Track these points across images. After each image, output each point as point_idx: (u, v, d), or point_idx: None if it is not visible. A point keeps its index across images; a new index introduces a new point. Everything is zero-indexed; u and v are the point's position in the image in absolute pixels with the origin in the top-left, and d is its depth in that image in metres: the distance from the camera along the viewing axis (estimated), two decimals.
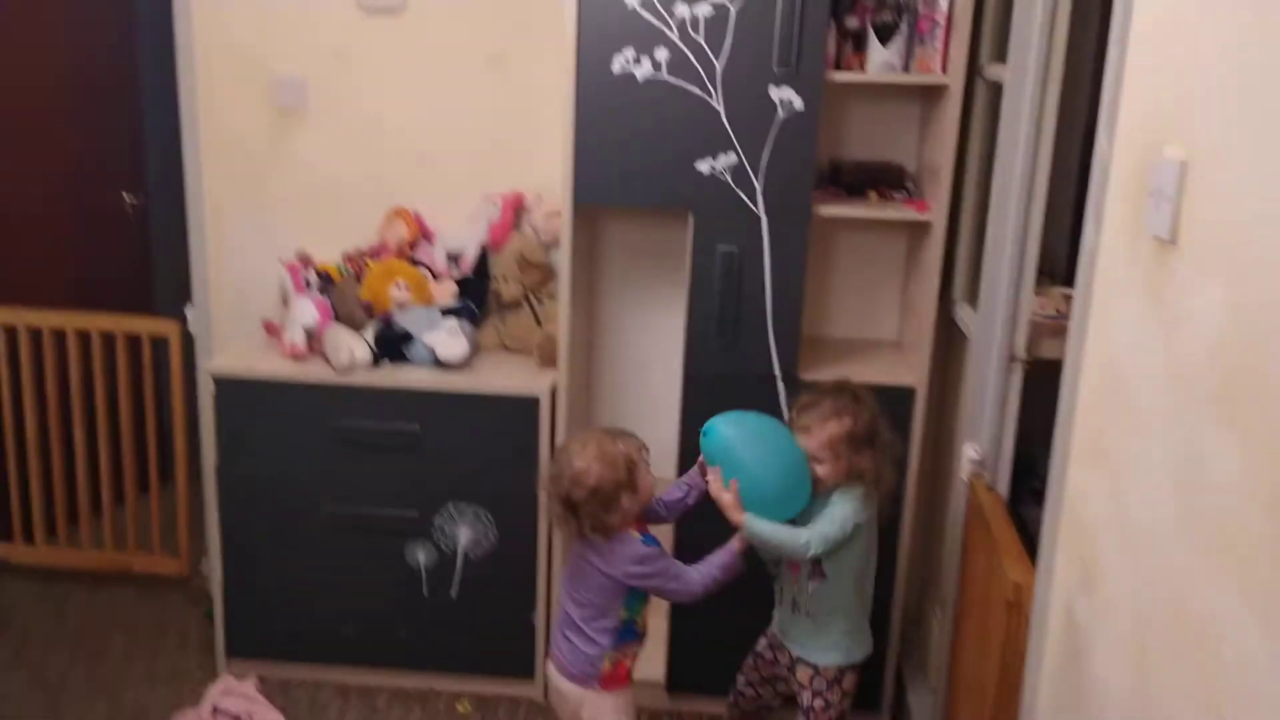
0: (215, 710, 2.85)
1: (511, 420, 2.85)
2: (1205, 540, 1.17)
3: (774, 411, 2.74)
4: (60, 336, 3.38)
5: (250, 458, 2.93)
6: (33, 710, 2.88)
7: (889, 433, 2.34)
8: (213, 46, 3.11)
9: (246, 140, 3.17)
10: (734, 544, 2.32)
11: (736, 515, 2.25)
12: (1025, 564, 1.96)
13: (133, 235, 4.01)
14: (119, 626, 3.32)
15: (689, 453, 2.81)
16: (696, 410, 2.77)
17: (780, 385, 2.74)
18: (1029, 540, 2.02)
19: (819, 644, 2.39)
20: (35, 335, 3.38)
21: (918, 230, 2.86)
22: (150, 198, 4.03)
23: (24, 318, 3.35)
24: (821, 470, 2.27)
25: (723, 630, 2.90)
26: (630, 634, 2.34)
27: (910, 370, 2.80)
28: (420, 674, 3.06)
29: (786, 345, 2.72)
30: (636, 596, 2.32)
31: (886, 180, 2.87)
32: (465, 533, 2.93)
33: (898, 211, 2.76)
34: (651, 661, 2.97)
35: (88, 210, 3.81)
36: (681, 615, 2.92)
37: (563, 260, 2.76)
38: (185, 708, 2.90)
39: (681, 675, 2.98)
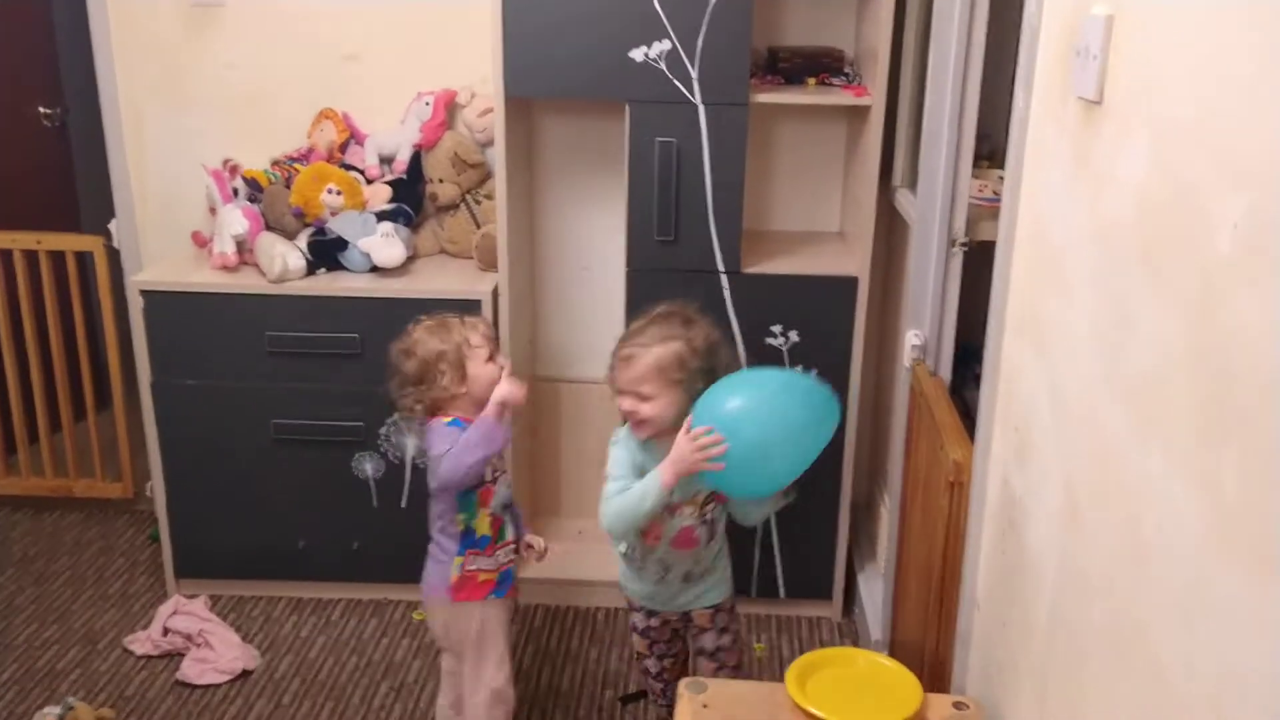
0: (166, 631, 2.83)
1: None
2: (1131, 403, 1.16)
3: (717, 308, 2.71)
4: None
5: (186, 374, 2.87)
6: None
7: (731, 358, 2.16)
8: None
9: (163, 42, 3.03)
10: (490, 408, 2.12)
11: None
12: (966, 444, 1.96)
13: (52, 149, 3.86)
14: (65, 551, 3.28)
15: None
16: (640, 307, 2.73)
17: (724, 280, 2.71)
18: (971, 424, 2.02)
19: (712, 585, 2.26)
20: None
21: (857, 116, 2.81)
22: (68, 110, 3.87)
23: None
24: (649, 409, 2.04)
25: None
26: (473, 542, 2.21)
27: (853, 259, 2.77)
28: (375, 585, 3.06)
29: (728, 239, 2.68)
30: (468, 497, 2.19)
31: (825, 66, 2.81)
32: (412, 442, 2.90)
33: (837, 97, 2.70)
34: (607, 561, 2.97)
35: (11, 126, 3.65)
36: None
37: (498, 158, 2.68)
38: (136, 629, 2.88)
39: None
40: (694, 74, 2.55)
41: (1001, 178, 2.23)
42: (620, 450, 2.14)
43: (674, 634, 2.32)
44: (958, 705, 1.69)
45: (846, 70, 2.81)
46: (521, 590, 2.90)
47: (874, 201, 2.67)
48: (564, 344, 3.23)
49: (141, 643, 2.81)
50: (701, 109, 2.58)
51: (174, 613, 2.87)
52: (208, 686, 2.68)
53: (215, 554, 3.03)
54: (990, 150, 2.49)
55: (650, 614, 2.28)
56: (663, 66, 2.55)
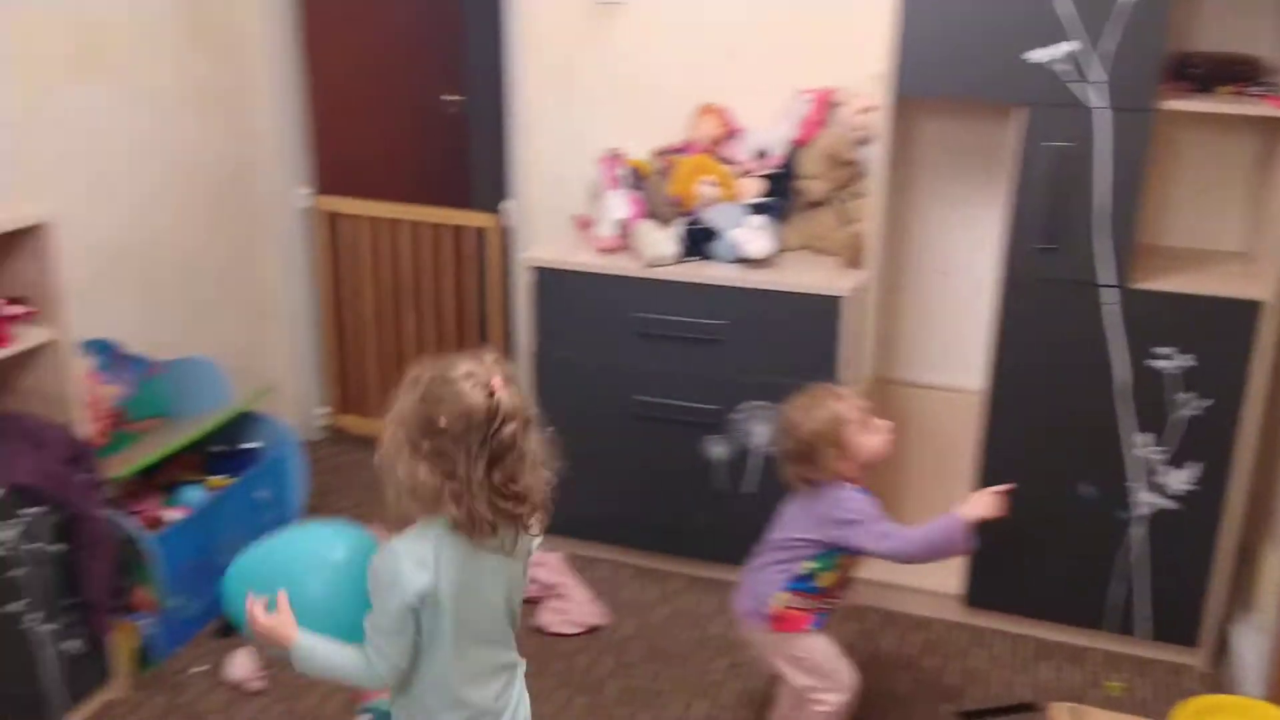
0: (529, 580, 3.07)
1: (813, 319, 2.84)
2: None
3: (1091, 322, 2.58)
4: (397, 227, 3.67)
5: (562, 345, 3.08)
6: None
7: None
8: None
9: (564, 36, 3.27)
10: (959, 514, 2.24)
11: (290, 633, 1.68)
12: None
13: (453, 134, 4.26)
14: None
15: (1002, 362, 2.71)
16: (1014, 317, 2.66)
17: (1103, 294, 2.57)
18: None
19: None
20: (375, 224, 3.68)
21: (1274, 129, 2.57)
22: (469, 98, 4.25)
23: (368, 209, 3.67)
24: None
25: (1023, 546, 2.82)
26: (806, 586, 2.31)
27: (1259, 282, 2.54)
28: (715, 564, 3.16)
29: (1119, 251, 2.54)
30: (830, 556, 2.29)
31: (1240, 74, 2.59)
32: (761, 430, 2.97)
33: (1255, 107, 2.49)
34: (950, 574, 2.93)
35: (418, 112, 4.07)
36: (981, 530, 2.84)
37: (878, 156, 2.69)
38: None
39: (980, 590, 2.91)
40: (1098, 78, 2.44)
41: None
42: None
43: None
44: None
45: (1265, 80, 2.58)
46: (860, 592, 2.93)
47: None
48: (915, 348, 3.19)
49: None
50: (1103, 114, 2.46)
51: (536, 564, 3.11)
52: (561, 635, 2.88)
53: (572, 514, 3.21)
54: None
55: None
56: (1063, 69, 2.45)
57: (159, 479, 2.87)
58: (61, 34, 2.83)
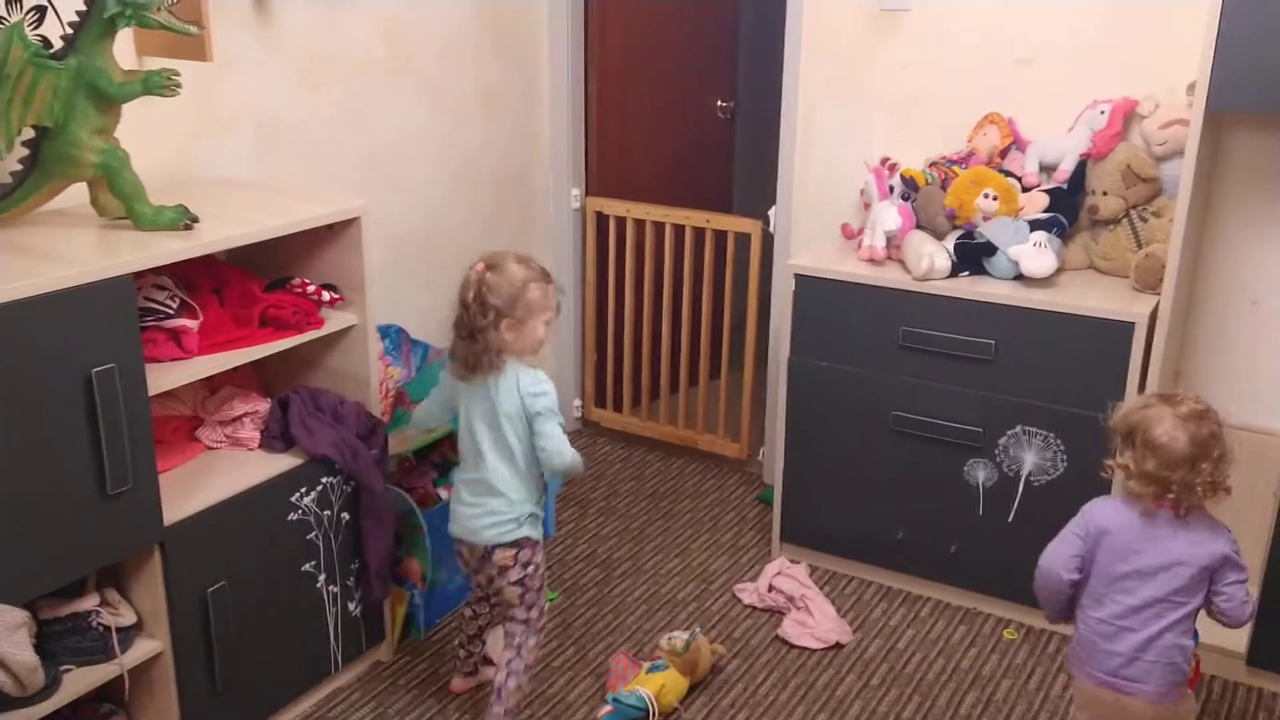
0: (771, 588, 3.06)
1: (1099, 344, 2.67)
2: None
3: None
4: (661, 229, 3.74)
5: (821, 354, 3.04)
6: (623, 554, 3.30)
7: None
8: None
9: (845, 41, 3.23)
10: None
11: None
12: None
13: (722, 139, 4.30)
14: (687, 495, 3.67)
15: None
16: None
17: None
18: None
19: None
20: (640, 226, 3.77)
21: None
22: (741, 104, 4.28)
23: (634, 210, 3.75)
24: None
25: None
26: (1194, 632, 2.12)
27: None
28: (967, 592, 3.04)
29: None
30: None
31: None
32: (1031, 458, 2.83)
33: None
34: (1234, 632, 2.68)
35: (689, 117, 4.13)
36: (1274, 587, 2.59)
37: (1185, 173, 2.49)
38: (744, 579, 3.15)
39: (1265, 647, 2.66)
40: None
41: None
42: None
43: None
44: None
45: None
46: None
47: None
48: (1214, 382, 2.93)
49: (749, 593, 3.07)
50: None
51: (779, 573, 3.09)
52: (803, 649, 2.85)
53: (818, 526, 3.20)
54: None
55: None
56: None
57: (434, 457, 3.04)
58: (376, 38, 3.05)
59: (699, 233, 3.70)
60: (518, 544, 2.39)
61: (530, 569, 2.42)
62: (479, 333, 2.28)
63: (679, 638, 2.70)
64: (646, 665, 2.69)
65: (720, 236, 3.69)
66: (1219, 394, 2.90)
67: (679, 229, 3.72)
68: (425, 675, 2.74)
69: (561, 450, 2.32)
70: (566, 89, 3.68)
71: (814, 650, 2.85)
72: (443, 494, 2.90)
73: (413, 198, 3.28)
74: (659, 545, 3.36)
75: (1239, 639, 2.68)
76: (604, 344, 3.97)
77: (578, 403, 4.07)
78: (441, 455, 3.08)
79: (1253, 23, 2.30)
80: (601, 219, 3.83)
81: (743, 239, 3.64)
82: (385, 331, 2.97)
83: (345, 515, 2.49)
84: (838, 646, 2.87)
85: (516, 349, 2.32)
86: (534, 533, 2.42)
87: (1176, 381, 2.94)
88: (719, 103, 4.20)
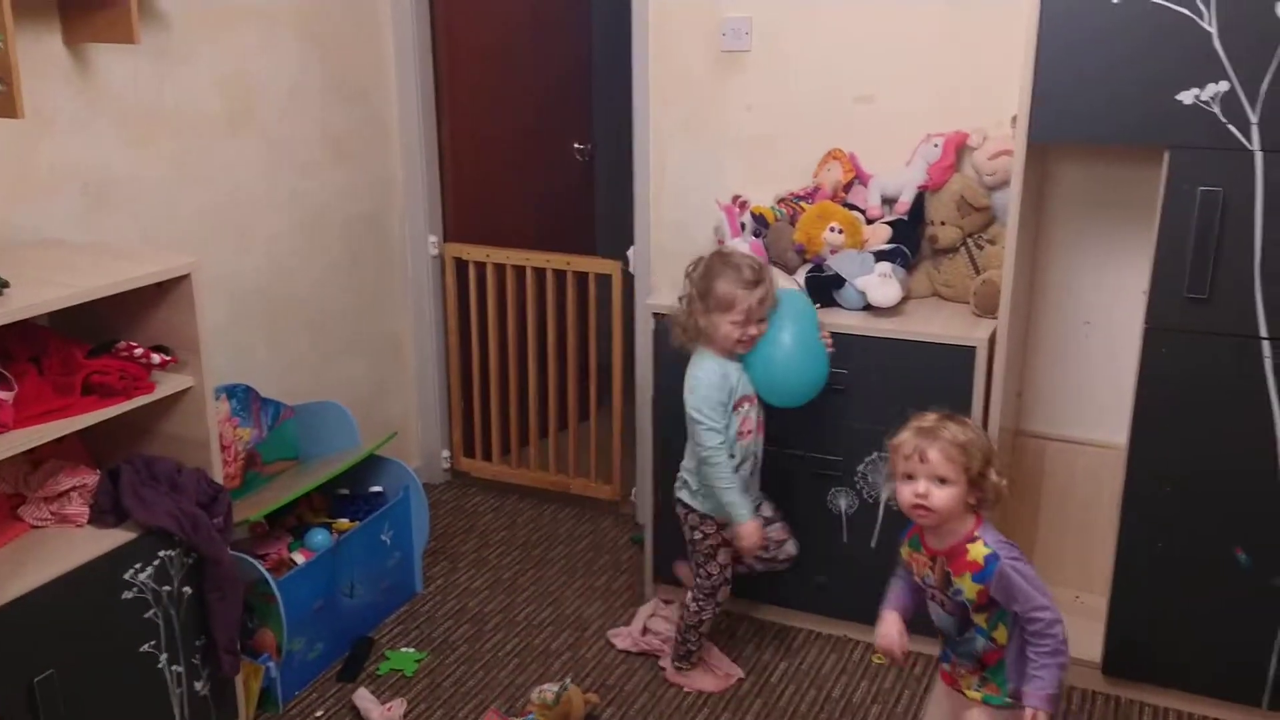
0: (645, 630, 3.03)
1: (944, 369, 2.73)
2: None
3: (1254, 376, 2.42)
4: (522, 273, 3.71)
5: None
6: (495, 607, 3.23)
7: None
8: None
9: (692, 83, 3.26)
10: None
11: None
12: None
13: (580, 182, 4.30)
14: (560, 541, 3.63)
15: (1146, 415, 2.56)
16: (1160, 369, 2.51)
17: (1266, 347, 2.40)
18: None
19: None
20: (500, 270, 3.73)
21: None
22: (597, 146, 4.30)
23: (493, 255, 3.72)
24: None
25: (1169, 613, 2.64)
26: None
27: None
28: (836, 620, 3.06)
29: (1277, 301, 2.37)
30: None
31: None
32: (886, 483, 2.87)
33: None
34: (1088, 641, 2.77)
35: (547, 160, 4.13)
36: (1122, 595, 2.68)
37: (1012, 202, 2.58)
38: (618, 624, 3.11)
39: (1120, 658, 2.74)
40: (1254, 118, 2.29)
41: None
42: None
43: None
44: None
45: None
46: None
47: None
48: (1052, 399, 3.04)
49: (623, 638, 3.03)
50: (1260, 156, 2.31)
51: (652, 614, 3.07)
52: (680, 690, 2.83)
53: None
54: None
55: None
56: (1216, 110, 2.31)
57: (287, 521, 2.93)
58: (211, 90, 2.96)
59: (560, 275, 3.68)
60: (679, 502, 2.78)
61: (695, 534, 2.77)
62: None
63: (550, 690, 2.65)
64: None
65: (581, 278, 3.68)
66: (1058, 411, 3.03)
67: (540, 272, 3.70)
68: None
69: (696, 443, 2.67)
70: (418, 134, 3.64)
71: (687, 692, 2.83)
72: (298, 558, 2.79)
73: (260, 252, 3.19)
74: (532, 595, 3.30)
75: (1095, 649, 2.76)
76: (470, 392, 3.92)
77: (446, 454, 4.00)
78: (297, 519, 2.97)
79: (1066, 60, 2.40)
80: (461, 265, 3.78)
81: (604, 280, 3.64)
82: (232, 391, 2.87)
83: (187, 589, 2.37)
84: (735, 685, 2.86)
85: (706, 337, 2.60)
86: (691, 501, 2.75)
87: (1019, 401, 3.03)
88: (576, 145, 4.21)
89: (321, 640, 2.85)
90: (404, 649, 3.00)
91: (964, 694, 2.21)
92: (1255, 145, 2.31)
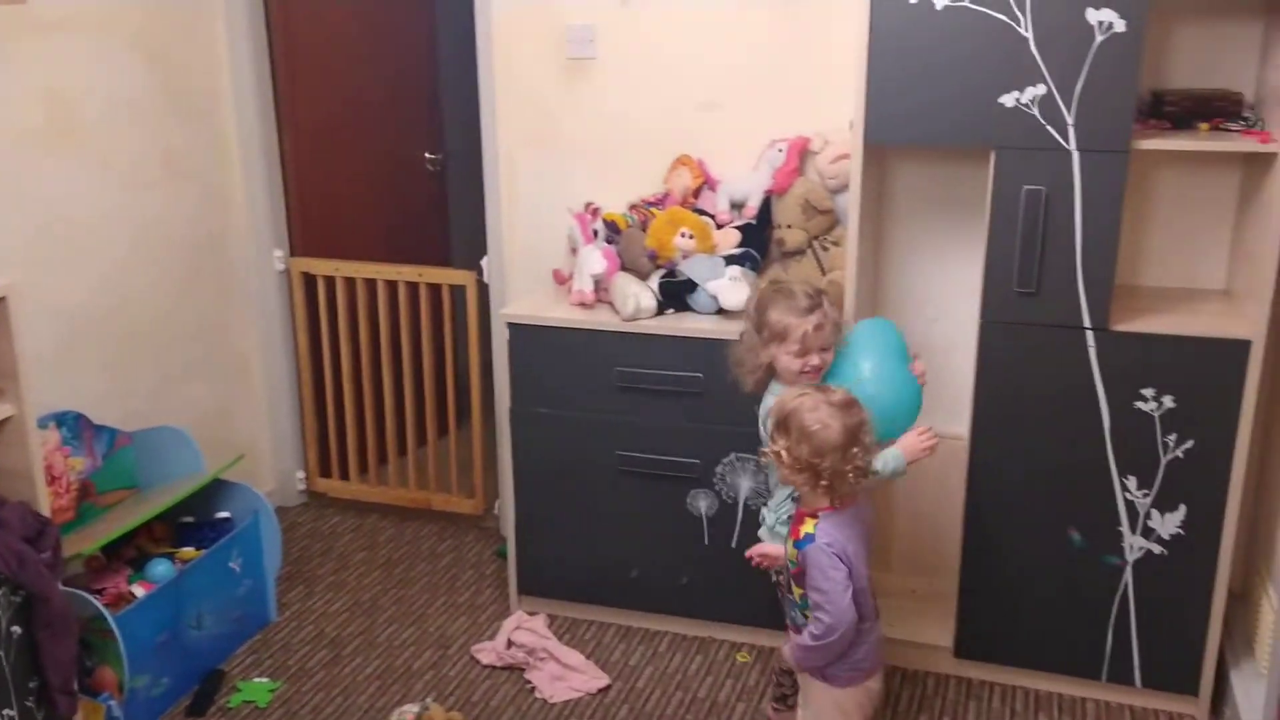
0: (510, 643, 3.00)
1: None
2: None
3: (1080, 365, 2.55)
4: (373, 286, 3.63)
5: (542, 400, 3.03)
6: (354, 630, 3.14)
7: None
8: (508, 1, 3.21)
9: (539, 91, 3.25)
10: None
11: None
12: None
13: (433, 192, 4.24)
14: (422, 558, 3.56)
15: (985, 407, 2.66)
16: (995, 361, 2.62)
17: (1089, 337, 2.53)
18: None
19: None
20: (350, 285, 3.65)
21: (1257, 165, 2.55)
22: (448, 155, 4.25)
23: (342, 269, 3.63)
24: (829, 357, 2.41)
25: (1013, 595, 2.75)
26: None
27: (1243, 321, 2.50)
28: (701, 621, 3.09)
29: (1097, 293, 2.50)
30: None
31: (1219, 110, 2.57)
32: (746, 483, 2.91)
33: (1236, 143, 2.46)
34: (940, 628, 2.87)
35: (396, 171, 4.06)
36: (970, 582, 2.78)
37: (852, 204, 2.66)
38: (483, 639, 3.07)
39: (970, 640, 2.84)
40: (1070, 119, 2.41)
41: None
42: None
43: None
44: None
45: (1246, 115, 2.56)
46: None
47: (1276, 258, 2.40)
48: None
49: (487, 653, 2.99)
50: (1076, 156, 2.43)
51: (517, 627, 3.04)
52: (546, 702, 2.80)
53: (555, 575, 3.18)
54: None
55: None
56: (1035, 112, 2.43)
57: (127, 553, 2.80)
58: (32, 105, 2.81)
59: (413, 288, 3.62)
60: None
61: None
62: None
63: (410, 711, 2.59)
64: None
65: (435, 290, 3.63)
66: None
67: (392, 285, 3.63)
68: None
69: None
70: (258, 147, 3.53)
71: (554, 703, 2.81)
72: (138, 591, 2.66)
73: (89, 272, 3.03)
74: (393, 615, 3.22)
75: (947, 635, 2.86)
76: (324, 411, 3.81)
77: (301, 475, 3.88)
78: (137, 550, 2.84)
79: (896, 65, 2.49)
80: (309, 280, 3.68)
81: (459, 291, 3.60)
82: (62, 419, 2.72)
83: (16, 629, 2.23)
84: (601, 692, 2.84)
85: (774, 371, 2.44)
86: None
87: None
88: (427, 155, 4.15)
89: (167, 675, 2.72)
90: (257, 679, 2.89)
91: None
92: (1072, 145, 2.43)
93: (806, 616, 2.21)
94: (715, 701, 2.81)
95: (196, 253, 3.42)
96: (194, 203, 3.39)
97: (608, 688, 2.87)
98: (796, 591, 2.23)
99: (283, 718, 2.75)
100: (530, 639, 2.98)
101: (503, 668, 2.95)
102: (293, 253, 3.69)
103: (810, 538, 2.16)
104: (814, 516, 2.18)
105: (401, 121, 4.06)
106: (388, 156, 4.01)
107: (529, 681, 2.87)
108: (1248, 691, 2.55)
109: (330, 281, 3.66)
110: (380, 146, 3.97)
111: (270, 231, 3.62)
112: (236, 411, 3.67)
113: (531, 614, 3.13)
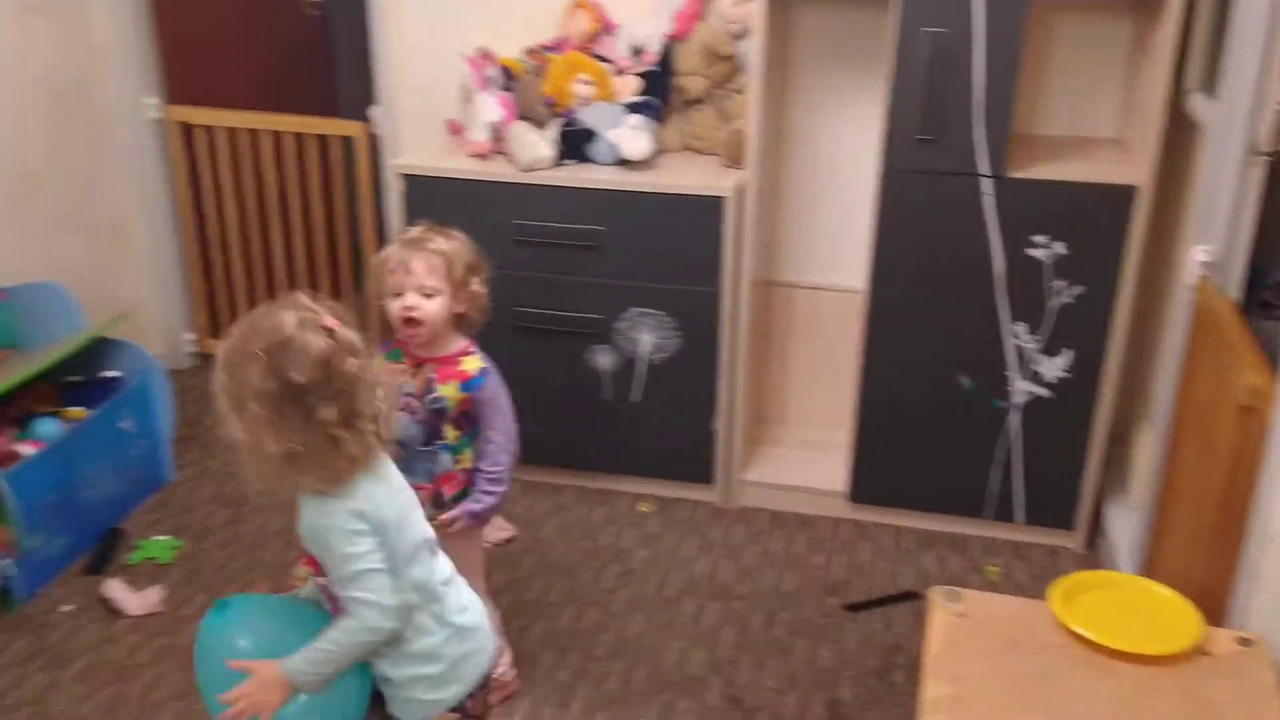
0: None
1: (695, 222, 2.78)
2: None
3: (973, 213, 2.59)
4: (256, 138, 3.46)
5: None
6: (221, 520, 3.09)
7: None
8: None
9: None
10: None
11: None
12: (1264, 368, 1.79)
13: (314, 37, 4.03)
14: None
15: (883, 258, 2.69)
16: (894, 210, 2.65)
17: (984, 184, 2.56)
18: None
19: None
20: (233, 136, 3.47)
21: (1148, 12, 2.57)
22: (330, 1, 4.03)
23: (223, 118, 3.44)
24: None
25: (906, 440, 2.85)
26: None
27: (1132, 167, 2.56)
28: (604, 475, 3.13)
29: (995, 140, 2.53)
30: None
31: None
32: (648, 338, 2.92)
33: None
34: (834, 474, 2.96)
35: (274, 14, 3.83)
36: (864, 430, 2.87)
37: (756, 51, 2.61)
38: None
39: (864, 485, 2.94)
40: None
41: None
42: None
43: None
44: (1242, 641, 1.58)
45: None
46: (749, 494, 2.96)
47: (1163, 106, 2.45)
48: (802, 248, 3.16)
49: None
50: None
51: None
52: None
53: None
54: None
55: None
56: None
57: (10, 412, 2.69)
58: None
59: (300, 139, 3.46)
60: None
61: None
62: None
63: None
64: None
65: (323, 142, 3.48)
66: (809, 260, 3.16)
67: (277, 136, 3.46)
68: (29, 651, 2.46)
69: None
70: None
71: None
72: (25, 450, 2.57)
73: None
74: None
75: (841, 480, 2.95)
76: (211, 271, 3.67)
77: (190, 336, 3.75)
78: (23, 409, 2.73)
79: None
80: (188, 130, 3.49)
81: (349, 144, 3.46)
82: None
83: None
84: (508, 542, 2.87)
85: None
86: None
87: (769, 251, 3.12)
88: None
89: (64, 535, 2.66)
90: (158, 537, 2.84)
91: None
92: None
93: (458, 460, 2.16)
94: (619, 548, 2.88)
95: (59, 100, 3.20)
96: (53, 47, 3.16)
97: (513, 538, 2.90)
98: (452, 434, 2.15)
99: (187, 574, 2.72)
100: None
101: None
102: (170, 100, 3.47)
103: (486, 373, 2.12)
104: (468, 355, 2.14)
105: None
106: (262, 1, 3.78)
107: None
108: (1120, 524, 2.71)
109: (210, 132, 3.47)
110: None
111: (140, 77, 3.39)
112: (117, 270, 3.50)
113: None
